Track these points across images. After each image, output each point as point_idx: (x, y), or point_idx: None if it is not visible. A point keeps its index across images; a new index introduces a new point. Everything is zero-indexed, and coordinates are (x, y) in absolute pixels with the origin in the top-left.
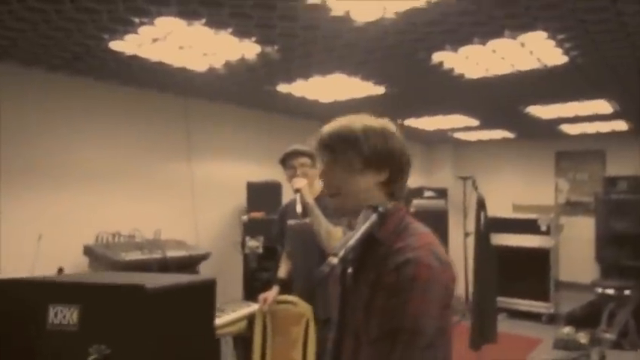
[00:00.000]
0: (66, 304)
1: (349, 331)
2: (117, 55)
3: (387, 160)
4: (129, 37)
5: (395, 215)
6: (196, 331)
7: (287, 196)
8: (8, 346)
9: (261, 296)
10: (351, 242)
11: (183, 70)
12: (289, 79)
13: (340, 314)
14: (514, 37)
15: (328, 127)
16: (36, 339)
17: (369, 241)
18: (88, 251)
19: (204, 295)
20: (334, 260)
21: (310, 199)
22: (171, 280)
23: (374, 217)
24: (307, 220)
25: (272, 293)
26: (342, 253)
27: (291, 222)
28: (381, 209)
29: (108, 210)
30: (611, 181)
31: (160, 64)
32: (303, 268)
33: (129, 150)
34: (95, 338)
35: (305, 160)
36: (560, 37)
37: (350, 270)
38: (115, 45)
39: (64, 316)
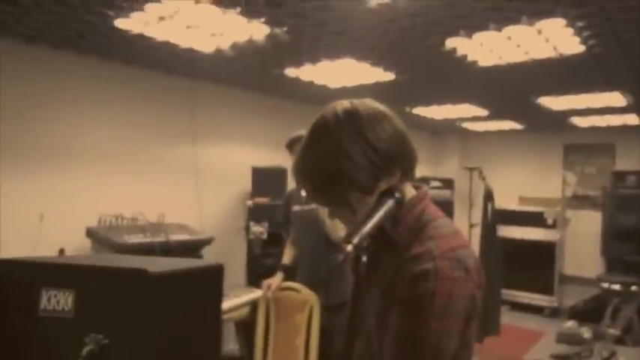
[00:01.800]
0: (60, 288)
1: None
2: (122, 34)
3: (394, 164)
4: (135, 14)
5: (413, 210)
6: (202, 321)
7: (292, 182)
8: None
9: (265, 282)
10: (366, 229)
11: (189, 51)
12: (297, 63)
13: (353, 305)
14: (531, 24)
15: (302, 165)
16: (26, 326)
17: (383, 237)
18: (90, 233)
19: (211, 282)
20: (349, 247)
21: None
22: (175, 265)
23: (390, 202)
24: (313, 206)
25: (276, 280)
26: (356, 240)
27: (296, 208)
28: (397, 195)
29: (111, 192)
30: (620, 176)
31: (167, 43)
32: (308, 255)
33: (133, 132)
34: (92, 326)
35: None
36: (580, 24)
37: (364, 259)
38: (121, 23)
39: (57, 301)
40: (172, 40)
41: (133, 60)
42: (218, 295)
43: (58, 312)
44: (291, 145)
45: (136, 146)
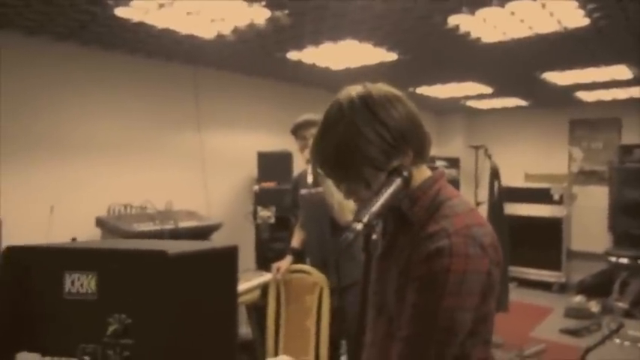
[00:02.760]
0: (83, 271)
1: (374, 303)
2: (123, 23)
3: (406, 143)
4: (135, 3)
5: (429, 191)
6: (219, 300)
7: (298, 166)
8: (23, 315)
9: (275, 265)
10: (375, 208)
11: (191, 37)
12: (300, 46)
13: (364, 283)
14: None
15: (318, 147)
16: (52, 308)
17: (400, 217)
18: (100, 223)
19: (226, 263)
20: (358, 226)
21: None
22: (192, 247)
23: (398, 181)
24: (320, 189)
25: (285, 262)
26: (366, 218)
27: (303, 192)
28: (405, 173)
29: (119, 181)
30: (627, 150)
31: (167, 31)
32: (316, 239)
33: (138, 120)
34: (115, 307)
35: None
36: None
37: (374, 237)
38: (121, 12)
39: (81, 284)
40: (173, 27)
41: (134, 49)
42: (234, 275)
43: (81, 294)
44: (295, 131)
45: (142, 135)
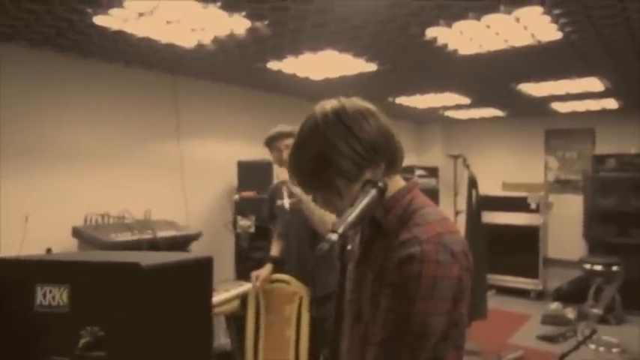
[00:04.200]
0: (55, 283)
1: (351, 311)
2: (102, 31)
3: (378, 155)
4: (114, 11)
5: (402, 200)
6: (193, 311)
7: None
8: None
9: (254, 274)
10: (351, 218)
11: (171, 47)
12: (280, 56)
13: (339, 292)
14: (509, 12)
15: (294, 159)
16: (24, 321)
17: (375, 226)
18: (76, 233)
19: (200, 274)
20: (334, 237)
21: (298, 189)
22: (166, 258)
23: (373, 192)
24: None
25: (265, 271)
26: (341, 229)
27: (279, 202)
28: (380, 184)
29: (96, 191)
30: (600, 159)
31: (147, 39)
32: (294, 249)
33: (116, 129)
34: (87, 319)
35: (290, 141)
36: (556, 12)
37: (349, 247)
38: (100, 20)
39: (53, 296)
40: (153, 36)
41: (113, 57)
42: (208, 286)
43: (53, 307)
44: (269, 143)
45: (120, 144)
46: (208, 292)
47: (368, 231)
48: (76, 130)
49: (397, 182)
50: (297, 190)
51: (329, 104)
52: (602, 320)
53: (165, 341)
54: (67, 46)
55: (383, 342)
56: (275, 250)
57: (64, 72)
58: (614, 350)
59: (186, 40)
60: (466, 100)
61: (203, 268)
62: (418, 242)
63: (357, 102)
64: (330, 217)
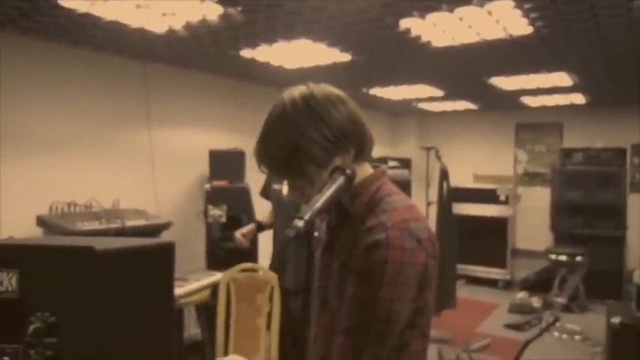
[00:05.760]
0: (3, 268)
1: (319, 299)
2: (68, 13)
3: (347, 141)
4: None
5: (370, 187)
6: (153, 299)
7: (250, 164)
8: None
9: (237, 232)
10: (318, 205)
11: (141, 31)
12: (253, 44)
13: (306, 280)
14: (481, 5)
15: (263, 146)
16: None
17: (342, 212)
18: (41, 222)
19: (161, 260)
20: (300, 223)
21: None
22: (124, 243)
23: (341, 179)
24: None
25: (247, 228)
26: (308, 216)
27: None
28: (348, 171)
29: (62, 179)
30: (567, 153)
31: (116, 23)
32: (278, 236)
33: (85, 117)
34: (38, 305)
35: None
36: (527, 6)
37: (316, 234)
38: (66, 1)
39: (1, 281)
40: (122, 20)
41: (81, 41)
42: (169, 273)
43: (1, 292)
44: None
45: (88, 131)
46: (170, 278)
47: (335, 217)
48: (42, 117)
49: (366, 169)
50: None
51: (297, 90)
52: (567, 309)
53: (123, 329)
54: (31, 28)
55: (349, 329)
56: (265, 217)
57: (29, 55)
58: (577, 337)
59: (157, 25)
60: (439, 93)
61: (164, 254)
62: (384, 228)
63: (325, 88)
64: None
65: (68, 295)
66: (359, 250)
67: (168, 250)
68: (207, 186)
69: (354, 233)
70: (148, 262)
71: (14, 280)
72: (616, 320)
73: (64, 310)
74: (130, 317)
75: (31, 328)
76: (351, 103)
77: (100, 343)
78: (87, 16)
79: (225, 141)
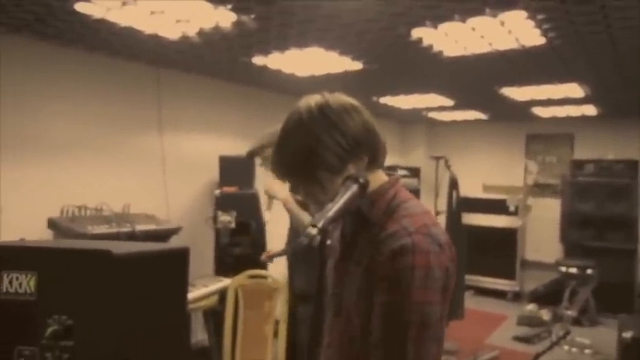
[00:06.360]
0: (22, 270)
1: (333, 306)
2: (83, 18)
3: (360, 149)
4: None
5: (386, 194)
6: (167, 303)
7: (260, 171)
8: None
9: (265, 254)
10: (331, 213)
11: (155, 37)
12: (265, 51)
13: (318, 287)
14: (494, 16)
15: (278, 153)
16: None
17: (360, 219)
18: (52, 224)
19: (176, 265)
20: (313, 231)
21: (280, 195)
22: (140, 247)
23: (354, 187)
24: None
25: (276, 251)
26: (321, 223)
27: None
28: (362, 180)
29: (74, 182)
30: (578, 164)
31: (130, 29)
32: (293, 241)
33: (97, 121)
34: (55, 308)
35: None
36: (540, 17)
37: (329, 242)
38: (81, 7)
39: (20, 284)
40: (136, 26)
41: (96, 46)
42: (184, 278)
43: (20, 294)
44: (252, 156)
45: (100, 135)
46: (184, 283)
47: (351, 225)
48: (56, 120)
49: (380, 177)
50: (283, 197)
51: (313, 99)
52: (576, 322)
53: (138, 332)
54: (47, 33)
55: (384, 339)
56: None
57: (44, 60)
58: (587, 352)
59: (171, 31)
60: (449, 102)
61: (179, 258)
62: (408, 234)
63: (340, 97)
64: (305, 217)
65: (85, 298)
66: (384, 256)
67: (183, 255)
68: (217, 192)
69: (374, 240)
70: (164, 266)
71: (32, 283)
72: (628, 335)
73: (80, 313)
74: (145, 322)
75: (49, 330)
76: (365, 112)
77: (115, 347)
78: (102, 22)
79: (235, 147)
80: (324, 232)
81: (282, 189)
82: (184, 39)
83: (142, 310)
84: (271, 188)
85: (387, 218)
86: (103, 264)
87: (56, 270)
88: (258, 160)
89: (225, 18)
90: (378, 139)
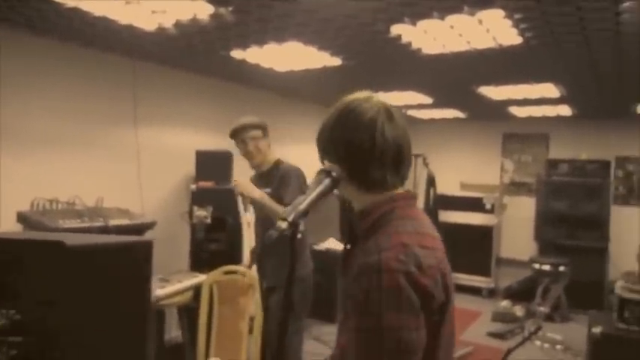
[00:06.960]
0: None
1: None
2: (56, 6)
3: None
4: None
5: (382, 207)
6: (128, 295)
7: (237, 166)
8: None
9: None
10: (302, 207)
11: (130, 28)
12: (244, 45)
13: (287, 286)
14: (472, 14)
15: (324, 140)
16: None
17: (352, 229)
18: (21, 218)
19: (138, 258)
20: (283, 225)
21: (256, 194)
22: (98, 240)
23: (326, 181)
24: (268, 190)
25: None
26: (291, 217)
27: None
28: (334, 174)
29: (46, 176)
30: (553, 164)
31: (105, 19)
32: (260, 240)
33: (70, 113)
34: (6, 300)
35: (255, 132)
36: (517, 16)
37: (300, 236)
38: None
39: None
40: (111, 16)
41: (69, 36)
42: (146, 271)
43: None
44: (234, 135)
45: (73, 128)
46: (147, 276)
47: (348, 238)
48: (27, 112)
49: (384, 194)
50: (256, 195)
51: (384, 103)
52: (549, 318)
53: (93, 326)
54: (17, 21)
55: None
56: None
57: (14, 49)
58: (558, 347)
59: (147, 22)
60: (428, 100)
61: (141, 251)
62: (378, 251)
63: (400, 111)
64: (282, 209)
65: (35, 290)
66: (353, 274)
67: (145, 248)
68: (193, 187)
69: (358, 253)
70: (124, 259)
71: None
72: (597, 330)
73: (30, 307)
74: (102, 314)
75: None
76: (402, 128)
77: (67, 341)
78: (75, 11)
79: (212, 142)
80: (294, 225)
81: (254, 187)
82: (161, 30)
83: (98, 304)
84: (245, 189)
85: (371, 233)
86: (54, 255)
87: (8, 261)
88: (235, 142)
89: (203, 10)
90: (409, 155)
